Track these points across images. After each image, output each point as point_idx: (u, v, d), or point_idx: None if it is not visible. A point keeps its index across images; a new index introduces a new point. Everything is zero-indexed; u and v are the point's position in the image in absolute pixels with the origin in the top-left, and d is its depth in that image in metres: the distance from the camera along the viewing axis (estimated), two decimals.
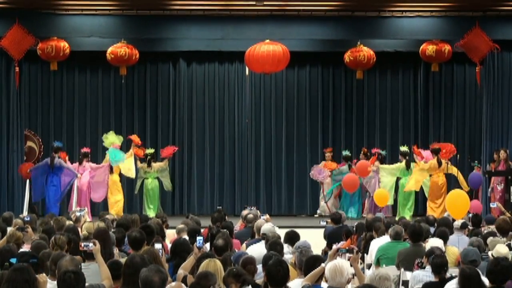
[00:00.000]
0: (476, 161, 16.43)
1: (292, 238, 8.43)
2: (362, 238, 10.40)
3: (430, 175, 15.82)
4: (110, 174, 15.90)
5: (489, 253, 7.95)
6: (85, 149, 16.34)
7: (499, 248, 7.72)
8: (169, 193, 17.80)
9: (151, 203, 16.37)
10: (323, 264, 6.34)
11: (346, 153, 17.36)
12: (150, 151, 16.65)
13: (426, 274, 7.16)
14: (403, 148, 16.47)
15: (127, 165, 15.94)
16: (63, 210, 15.73)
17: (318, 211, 17.26)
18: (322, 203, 17.21)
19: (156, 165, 16.48)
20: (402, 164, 16.15)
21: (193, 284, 5.64)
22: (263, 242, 8.56)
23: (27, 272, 5.20)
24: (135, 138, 16.53)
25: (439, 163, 15.67)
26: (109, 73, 17.89)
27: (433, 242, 8.27)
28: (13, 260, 6.10)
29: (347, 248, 7.09)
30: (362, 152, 17.33)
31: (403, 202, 16.09)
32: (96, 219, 11.74)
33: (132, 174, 16.10)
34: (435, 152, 15.76)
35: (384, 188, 15.81)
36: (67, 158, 16.00)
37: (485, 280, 6.45)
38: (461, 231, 9.86)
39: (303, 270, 6.40)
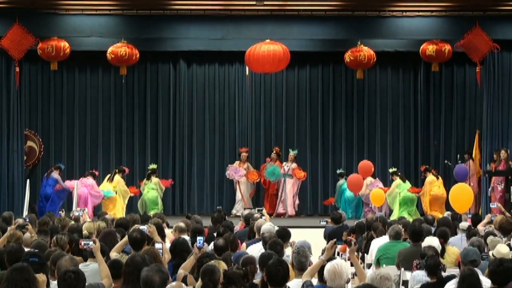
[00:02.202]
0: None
1: (283, 236, 8.40)
2: (363, 238, 10.40)
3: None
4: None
5: (490, 252, 7.92)
6: (95, 171, 16.63)
7: (500, 248, 7.70)
8: (169, 193, 17.83)
9: (152, 211, 16.38)
10: (321, 257, 6.38)
11: (340, 171, 17.46)
12: (153, 166, 16.84)
13: (425, 274, 7.15)
14: (392, 170, 16.88)
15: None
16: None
17: (234, 211, 17.30)
18: (236, 205, 17.34)
19: (155, 179, 16.69)
20: (397, 181, 16.39)
21: (205, 283, 5.68)
22: None
23: (27, 271, 5.19)
24: (133, 190, 16.81)
25: (436, 177, 16.34)
26: (109, 73, 17.89)
27: (428, 241, 8.22)
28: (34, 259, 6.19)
29: (344, 239, 7.11)
30: (274, 151, 17.39)
31: (404, 207, 16.13)
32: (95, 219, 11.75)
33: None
34: (428, 171, 16.49)
35: (391, 205, 16.25)
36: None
37: (485, 280, 6.46)
38: (465, 232, 9.84)
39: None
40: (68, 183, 16.15)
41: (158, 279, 5.18)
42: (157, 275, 5.19)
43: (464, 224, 10.08)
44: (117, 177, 16.36)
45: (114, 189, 16.29)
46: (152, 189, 16.59)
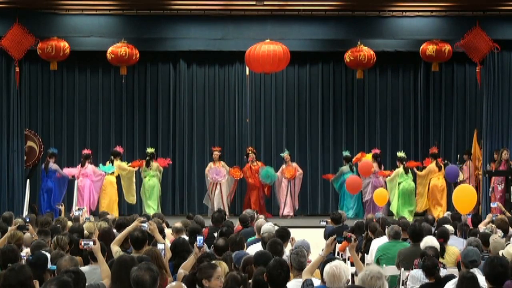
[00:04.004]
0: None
1: (283, 235, 8.40)
2: (363, 237, 10.40)
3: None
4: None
5: (502, 252, 7.88)
6: (86, 151, 16.48)
7: (510, 249, 7.67)
8: (169, 193, 17.84)
9: (151, 201, 16.40)
10: (321, 253, 6.41)
11: (346, 153, 17.41)
12: (151, 150, 16.74)
13: (424, 274, 7.15)
14: (400, 154, 16.72)
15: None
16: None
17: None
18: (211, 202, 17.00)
19: (154, 164, 16.60)
20: (400, 169, 16.36)
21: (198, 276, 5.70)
22: None
23: (22, 273, 5.17)
24: (136, 163, 16.76)
25: (439, 167, 16.30)
26: (109, 73, 17.90)
27: (427, 241, 8.21)
28: (53, 268, 6.18)
29: (344, 236, 7.11)
30: (250, 151, 17.28)
31: (402, 201, 16.15)
32: (96, 219, 11.75)
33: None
34: (434, 157, 16.46)
35: (389, 191, 16.16)
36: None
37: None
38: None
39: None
40: (67, 170, 16.22)
41: (149, 278, 5.10)
42: (147, 274, 5.11)
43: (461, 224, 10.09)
44: (116, 163, 16.34)
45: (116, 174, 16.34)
46: (153, 177, 16.58)
